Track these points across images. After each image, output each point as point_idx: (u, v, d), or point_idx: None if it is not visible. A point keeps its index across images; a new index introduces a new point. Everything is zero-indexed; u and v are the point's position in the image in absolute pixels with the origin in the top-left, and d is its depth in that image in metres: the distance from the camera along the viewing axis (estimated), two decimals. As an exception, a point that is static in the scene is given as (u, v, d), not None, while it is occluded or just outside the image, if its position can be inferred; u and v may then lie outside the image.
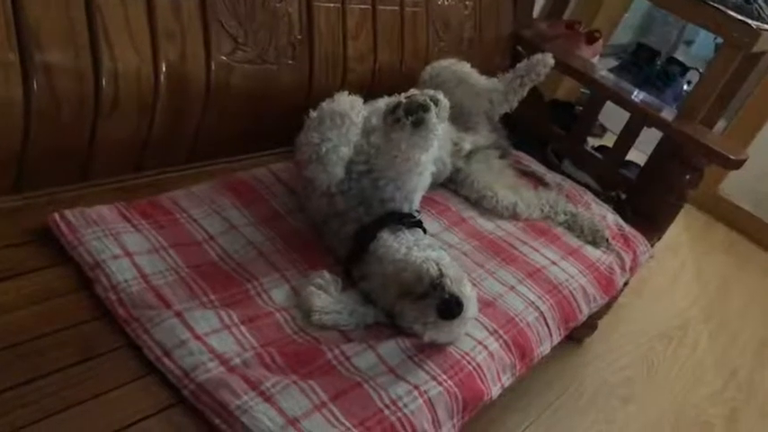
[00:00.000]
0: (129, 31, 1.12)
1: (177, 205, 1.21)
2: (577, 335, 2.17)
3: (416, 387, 1.04)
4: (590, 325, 2.18)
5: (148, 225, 1.14)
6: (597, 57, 2.36)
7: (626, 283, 1.89)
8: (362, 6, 1.54)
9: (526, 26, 2.14)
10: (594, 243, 1.63)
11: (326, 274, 1.15)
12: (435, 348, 1.13)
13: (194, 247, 1.15)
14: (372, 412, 0.98)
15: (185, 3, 1.20)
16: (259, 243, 1.20)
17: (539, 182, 1.81)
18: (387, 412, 0.99)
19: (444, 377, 1.08)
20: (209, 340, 0.98)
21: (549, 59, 1.69)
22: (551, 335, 1.34)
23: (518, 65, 1.70)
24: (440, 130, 1.10)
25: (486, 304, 1.29)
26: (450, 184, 1.62)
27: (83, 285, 1.03)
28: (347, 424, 0.95)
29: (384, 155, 1.17)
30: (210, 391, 0.92)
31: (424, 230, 1.26)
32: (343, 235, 1.22)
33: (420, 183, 1.24)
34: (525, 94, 1.71)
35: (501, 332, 1.23)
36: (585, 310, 1.47)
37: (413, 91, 1.11)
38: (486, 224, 1.55)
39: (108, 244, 1.06)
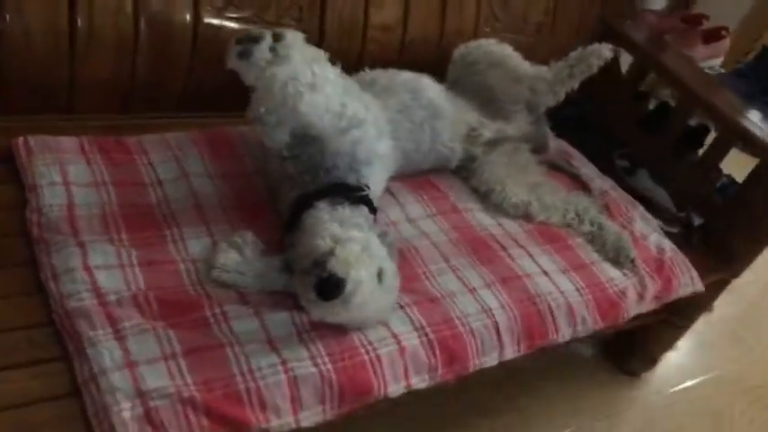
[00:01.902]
0: (109, -25, 1.19)
1: (141, 147, 1.26)
2: (627, 367, 1.94)
3: (284, 362, 1.00)
4: (646, 358, 1.94)
5: (102, 161, 1.21)
6: (719, 59, 2.04)
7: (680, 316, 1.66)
8: (393, -27, 1.48)
9: (624, 16, 1.92)
10: (617, 262, 1.44)
11: (248, 235, 1.14)
12: (335, 330, 1.07)
13: (137, 188, 1.19)
14: (222, 375, 0.96)
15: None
16: (204, 195, 1.22)
17: (581, 185, 1.62)
18: (238, 379, 0.96)
19: (325, 360, 1.03)
20: (97, 274, 1.02)
21: (606, 51, 1.51)
22: (502, 347, 1.21)
23: (571, 53, 1.54)
24: (276, 69, 1.00)
25: (429, 299, 1.20)
26: (462, 171, 1.51)
27: (21, 205, 1.12)
28: (188, 380, 0.94)
29: None
30: (73, 319, 0.97)
31: (373, 209, 1.19)
32: (289, 200, 1.20)
33: (359, 153, 1.16)
34: (575, 86, 1.55)
35: (428, 330, 1.14)
36: (566, 332, 1.30)
37: (279, 30, 1.03)
38: (484, 219, 1.43)
39: (52, 171, 1.15)
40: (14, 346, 0.95)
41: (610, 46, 1.51)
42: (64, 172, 1.15)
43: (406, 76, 1.36)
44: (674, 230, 1.70)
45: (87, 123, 1.29)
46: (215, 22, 1.31)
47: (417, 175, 1.45)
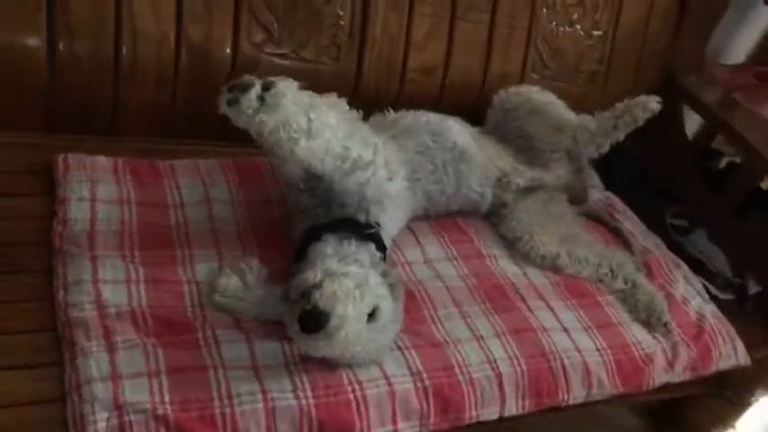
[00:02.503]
0: (154, 7, 1.26)
1: (172, 171, 1.32)
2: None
3: (265, 391, 1.00)
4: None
5: (131, 181, 1.27)
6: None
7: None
8: (435, 18, 1.49)
9: (691, 70, 1.84)
10: (648, 324, 1.36)
11: (254, 263, 1.16)
12: (324, 365, 1.06)
13: (159, 209, 1.24)
14: (200, 397, 0.97)
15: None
16: (222, 220, 1.26)
17: (621, 240, 1.55)
18: (216, 403, 0.97)
19: (308, 393, 1.02)
20: (103, 287, 1.07)
21: (653, 103, 1.44)
22: (503, 401, 1.16)
23: (617, 104, 1.48)
24: (264, 116, 0.98)
25: (431, 344, 1.17)
26: (493, 217, 1.48)
27: (50, 216, 1.19)
28: (166, 398, 0.95)
29: None
30: (72, 328, 1.01)
31: (381, 246, 1.19)
32: (300, 231, 1.21)
33: (368, 193, 1.16)
34: (620, 138, 1.48)
35: (425, 376, 1.11)
36: (578, 394, 1.23)
37: (270, 79, 1.02)
38: (507, 267, 1.38)
39: (83, 187, 1.21)
40: (17, 349, 0.99)
41: (657, 98, 1.45)
42: (93, 189, 1.22)
43: (431, 117, 1.36)
44: (727, 297, 1.59)
45: (126, 145, 1.36)
46: (253, 55, 1.36)
47: (444, 217, 1.44)
